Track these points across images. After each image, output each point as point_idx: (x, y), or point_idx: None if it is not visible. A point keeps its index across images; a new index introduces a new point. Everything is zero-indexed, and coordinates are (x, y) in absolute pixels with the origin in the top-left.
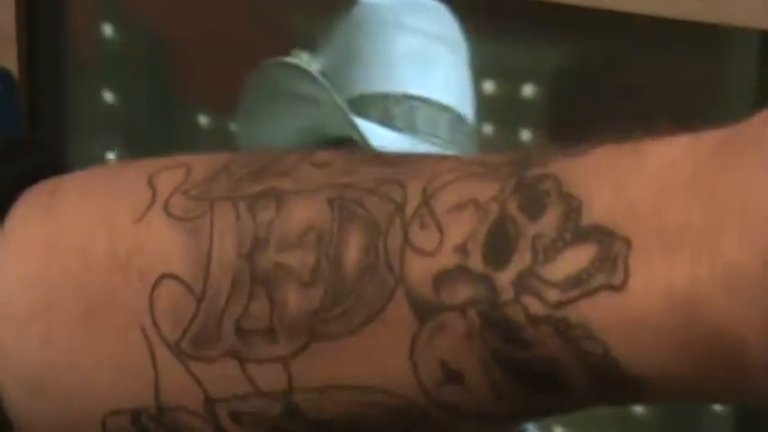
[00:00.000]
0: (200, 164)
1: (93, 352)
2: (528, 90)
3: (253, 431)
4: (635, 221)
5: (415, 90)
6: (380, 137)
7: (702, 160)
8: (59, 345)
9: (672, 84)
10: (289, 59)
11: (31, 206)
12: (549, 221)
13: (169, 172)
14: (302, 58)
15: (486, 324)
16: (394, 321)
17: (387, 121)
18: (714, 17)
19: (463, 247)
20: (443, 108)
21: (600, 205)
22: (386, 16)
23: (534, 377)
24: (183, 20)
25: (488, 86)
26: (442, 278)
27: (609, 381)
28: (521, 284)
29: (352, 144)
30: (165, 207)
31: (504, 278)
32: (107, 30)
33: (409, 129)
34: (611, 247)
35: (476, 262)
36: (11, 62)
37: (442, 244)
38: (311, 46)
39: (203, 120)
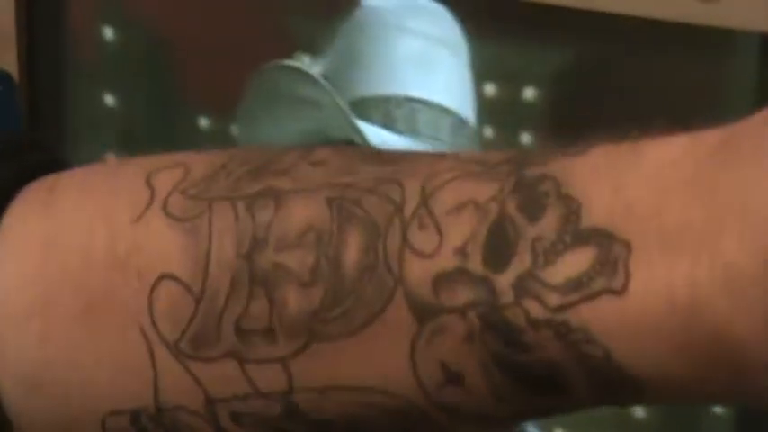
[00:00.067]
0: (199, 163)
1: (91, 350)
2: (529, 93)
3: (254, 431)
4: (634, 222)
5: (416, 93)
6: (382, 140)
7: (702, 160)
8: (58, 342)
9: (673, 87)
10: (290, 62)
11: (30, 203)
12: (548, 223)
13: (167, 171)
14: (304, 61)
15: (486, 327)
16: (393, 322)
17: (388, 124)
18: (715, 20)
19: (463, 250)
20: (445, 111)
21: (599, 207)
22: (387, 19)
23: (534, 380)
24: (183, 21)
25: (489, 89)
26: (442, 280)
27: (609, 383)
28: (521, 287)
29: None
30: (164, 207)
31: (504, 281)
32: (107, 31)
33: (411, 131)
34: (610, 249)
35: (475, 264)
36: (11, 64)
37: (441, 245)
38: (313, 49)
39: (203, 122)
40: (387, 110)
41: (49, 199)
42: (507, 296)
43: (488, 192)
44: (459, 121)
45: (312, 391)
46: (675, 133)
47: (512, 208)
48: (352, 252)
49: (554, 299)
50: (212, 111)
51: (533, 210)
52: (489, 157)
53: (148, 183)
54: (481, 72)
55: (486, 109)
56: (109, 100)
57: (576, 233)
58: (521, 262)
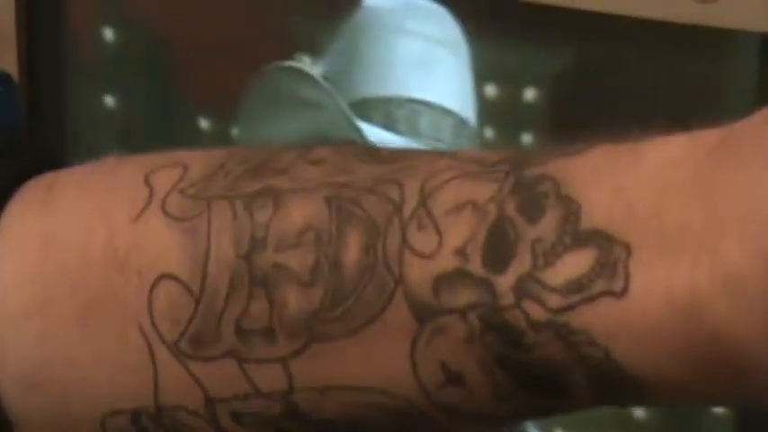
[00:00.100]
0: (197, 161)
1: (90, 349)
2: (530, 94)
3: (254, 431)
4: (634, 223)
5: (417, 94)
6: (383, 141)
7: (702, 160)
8: (56, 341)
9: (673, 87)
10: (291, 63)
11: (28, 201)
12: (547, 225)
13: (166, 170)
14: (304, 62)
15: (487, 328)
16: (394, 323)
17: (389, 125)
18: (714, 20)
19: (462, 251)
20: (446, 112)
21: (598, 208)
22: (388, 20)
23: (535, 380)
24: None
25: (490, 90)
26: (442, 281)
27: (610, 383)
28: (521, 289)
29: None
30: (163, 206)
31: (504, 282)
32: (107, 32)
33: (412, 132)
34: (610, 251)
35: (475, 265)
36: (11, 64)
37: (440, 246)
38: (313, 49)
39: (204, 123)
40: (388, 111)
41: (48, 197)
42: (507, 298)
43: (487, 192)
44: (461, 122)
45: (312, 391)
46: (675, 133)
47: (511, 209)
48: (351, 252)
49: (554, 301)
50: (212, 111)
51: (533, 211)
52: (488, 156)
53: (147, 181)
54: (481, 73)
55: (487, 110)
56: (109, 100)
57: (575, 234)
58: (520, 264)
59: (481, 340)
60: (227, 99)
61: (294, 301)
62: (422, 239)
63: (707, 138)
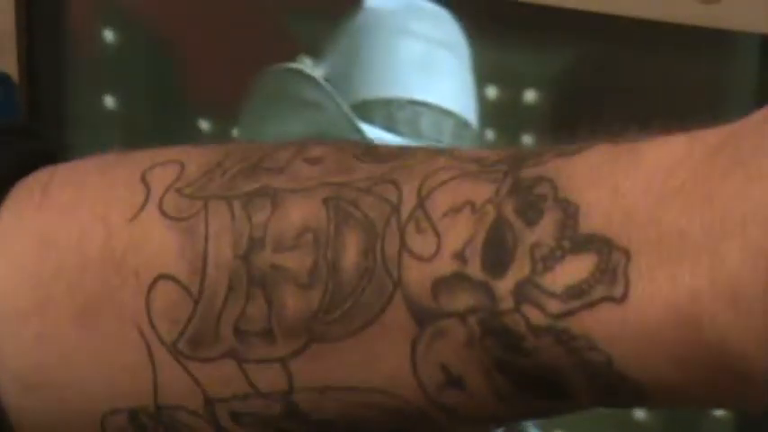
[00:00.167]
0: (194, 159)
1: (88, 349)
2: (531, 95)
3: (254, 431)
4: (633, 229)
5: (418, 95)
6: (385, 142)
7: (701, 161)
8: (54, 342)
9: (674, 88)
10: (293, 65)
11: (24, 198)
12: (546, 228)
13: (162, 168)
14: (306, 64)
15: (487, 332)
16: (393, 325)
17: (391, 127)
18: (715, 21)
19: (461, 254)
20: (447, 113)
21: (597, 212)
22: (389, 22)
23: (535, 384)
24: (184, 22)
25: (491, 92)
26: (441, 285)
27: (611, 387)
28: (520, 294)
29: None
30: (159, 206)
31: (503, 287)
32: (107, 32)
33: (413, 134)
34: (610, 257)
35: (474, 269)
36: (11, 64)
37: (439, 249)
38: (315, 51)
39: (204, 124)
40: (389, 112)
41: (44, 194)
42: (507, 302)
43: (485, 193)
44: (462, 124)
45: (312, 391)
46: (675, 134)
47: (509, 211)
48: (350, 254)
49: (554, 306)
50: (213, 112)
51: (531, 213)
52: (486, 155)
53: (143, 180)
54: (482, 74)
55: (488, 111)
56: (109, 100)
57: (574, 239)
58: (519, 268)
59: (481, 344)
60: (227, 100)
61: (292, 302)
62: (420, 242)
63: (706, 138)
